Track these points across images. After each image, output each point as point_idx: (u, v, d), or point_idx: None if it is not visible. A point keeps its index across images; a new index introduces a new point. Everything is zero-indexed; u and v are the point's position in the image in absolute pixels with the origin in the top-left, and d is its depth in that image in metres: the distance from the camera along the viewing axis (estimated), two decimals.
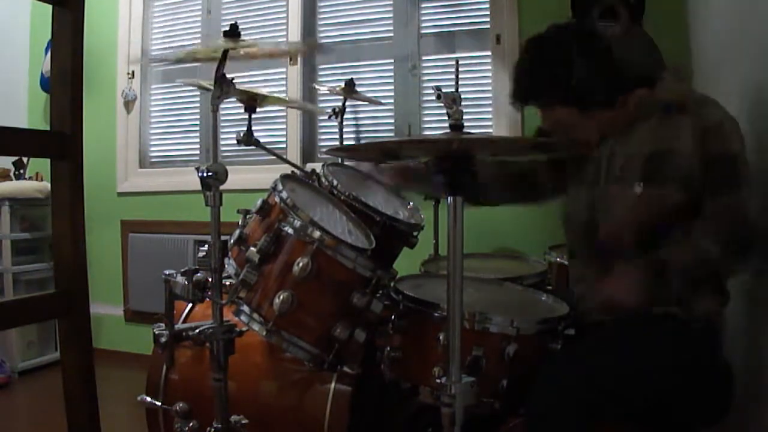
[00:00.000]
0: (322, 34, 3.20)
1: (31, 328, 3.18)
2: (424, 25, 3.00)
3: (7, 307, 1.25)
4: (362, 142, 2.39)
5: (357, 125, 2.26)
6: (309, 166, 2.08)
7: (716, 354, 1.33)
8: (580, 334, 1.41)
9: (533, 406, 1.24)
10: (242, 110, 1.77)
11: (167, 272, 1.39)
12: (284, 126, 3.19)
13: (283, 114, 3.20)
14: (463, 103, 1.07)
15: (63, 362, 1.26)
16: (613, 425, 1.28)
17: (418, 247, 1.67)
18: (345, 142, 2.27)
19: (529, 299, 1.60)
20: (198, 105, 3.42)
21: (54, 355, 3.24)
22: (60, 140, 1.21)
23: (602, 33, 1.39)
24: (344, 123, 2.24)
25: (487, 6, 2.85)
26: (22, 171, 3.34)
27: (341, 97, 2.19)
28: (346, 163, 1.82)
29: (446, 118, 1.07)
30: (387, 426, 1.78)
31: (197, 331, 1.34)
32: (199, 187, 1.31)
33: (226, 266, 1.39)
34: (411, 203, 1.77)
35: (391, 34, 3.06)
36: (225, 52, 1.30)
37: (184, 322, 1.67)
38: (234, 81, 1.35)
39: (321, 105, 3.09)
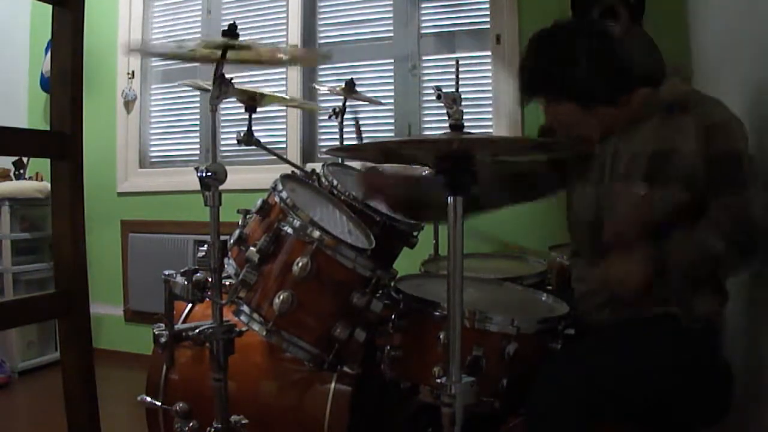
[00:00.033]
0: (322, 34, 3.20)
1: (31, 328, 3.18)
2: (424, 25, 3.00)
3: (7, 307, 1.25)
4: (363, 134, 2.38)
5: (356, 119, 2.25)
6: (309, 166, 2.08)
7: (716, 354, 1.33)
8: (580, 334, 1.41)
9: (533, 405, 1.24)
10: (242, 110, 1.77)
11: (167, 272, 1.39)
12: (284, 126, 3.19)
13: (283, 114, 3.20)
14: (463, 103, 1.07)
15: (63, 362, 1.26)
16: (613, 425, 1.28)
17: (418, 247, 1.67)
18: (345, 142, 2.26)
19: (529, 299, 1.60)
20: (198, 105, 3.42)
21: (54, 355, 3.24)
22: (60, 140, 1.21)
23: (607, 31, 1.38)
24: (344, 123, 2.24)
25: (487, 6, 2.85)
26: (22, 171, 3.34)
27: (341, 97, 2.19)
28: (346, 163, 1.82)
29: (446, 118, 1.07)
30: (387, 426, 1.78)
31: (197, 331, 1.34)
32: (198, 187, 1.31)
33: (225, 266, 1.39)
34: None
35: (391, 34, 3.06)
36: (224, 52, 1.30)
37: (184, 322, 1.67)
38: (234, 81, 1.35)
39: (321, 105, 3.09)
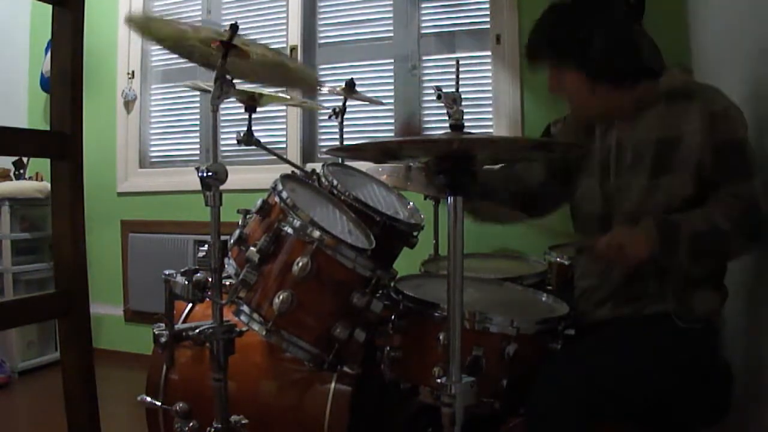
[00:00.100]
0: (322, 34, 3.21)
1: (31, 328, 3.18)
2: (424, 25, 3.00)
3: (7, 307, 1.25)
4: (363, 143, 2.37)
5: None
6: (309, 166, 2.08)
7: (716, 354, 1.33)
8: (580, 334, 1.41)
9: (533, 406, 1.24)
10: (242, 110, 1.77)
11: (167, 272, 1.39)
12: (284, 126, 3.19)
13: (283, 114, 3.20)
14: (463, 103, 1.07)
15: (63, 362, 1.26)
16: (613, 425, 1.28)
17: (418, 247, 1.67)
18: (345, 142, 2.26)
19: (529, 299, 1.60)
20: (198, 105, 3.42)
21: (54, 355, 3.24)
22: (60, 140, 1.21)
23: (628, 14, 1.37)
24: (344, 123, 2.24)
25: (487, 6, 2.85)
26: (22, 171, 3.34)
27: (341, 97, 2.19)
28: (346, 163, 1.82)
29: (446, 118, 1.07)
30: (387, 426, 1.78)
31: (197, 331, 1.34)
32: (199, 187, 1.30)
33: (226, 266, 1.39)
34: (411, 203, 1.77)
35: (391, 34, 3.06)
36: (225, 53, 1.30)
37: (184, 322, 1.67)
38: (234, 81, 1.35)
39: (321, 105, 3.09)
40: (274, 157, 1.96)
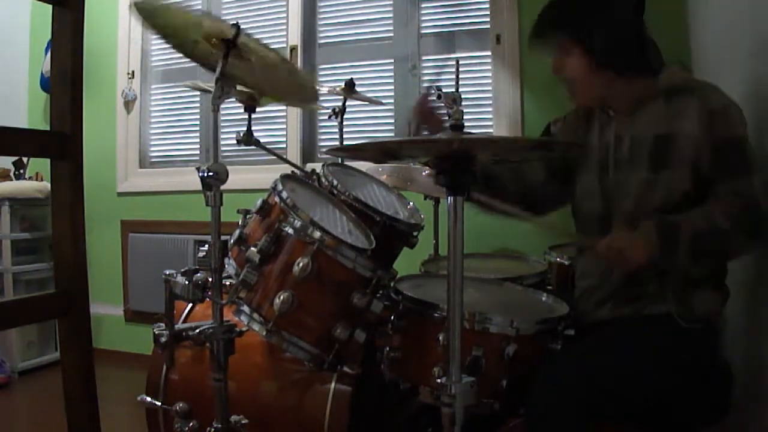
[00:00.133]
0: (322, 34, 3.21)
1: (31, 328, 3.18)
2: (424, 25, 3.00)
3: (7, 307, 1.25)
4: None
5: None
6: (309, 166, 2.08)
7: (716, 354, 1.33)
8: (580, 334, 1.41)
9: (533, 406, 1.24)
10: (242, 110, 1.77)
11: (167, 272, 1.39)
12: (284, 126, 3.19)
13: (283, 114, 3.20)
14: (463, 103, 1.07)
15: (63, 362, 1.26)
16: (613, 425, 1.28)
17: (418, 247, 1.67)
18: (345, 142, 2.26)
19: (529, 299, 1.60)
20: (198, 105, 3.42)
21: (54, 355, 3.24)
22: (60, 140, 1.21)
23: (642, 8, 1.38)
24: (344, 123, 2.24)
25: (487, 6, 2.85)
26: (22, 171, 3.34)
27: (341, 97, 2.19)
28: (346, 163, 1.82)
29: (446, 118, 1.07)
30: (387, 426, 1.78)
31: (197, 331, 1.33)
32: (199, 187, 1.30)
33: (226, 266, 1.39)
34: (411, 203, 1.77)
35: (391, 34, 3.06)
36: (227, 53, 1.30)
37: (184, 322, 1.67)
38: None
39: (321, 105, 3.09)
40: (274, 157, 1.96)
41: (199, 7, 3.41)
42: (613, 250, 1.28)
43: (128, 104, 3.48)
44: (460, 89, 1.09)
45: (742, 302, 1.49)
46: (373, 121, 3.08)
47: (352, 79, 2.17)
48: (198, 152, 3.45)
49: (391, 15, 3.06)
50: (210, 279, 1.34)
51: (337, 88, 2.17)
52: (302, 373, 1.56)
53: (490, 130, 2.82)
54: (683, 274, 1.31)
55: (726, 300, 1.37)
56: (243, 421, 1.40)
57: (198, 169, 1.31)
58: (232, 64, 1.32)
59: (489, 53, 2.83)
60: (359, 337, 1.35)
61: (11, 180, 3.32)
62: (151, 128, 3.55)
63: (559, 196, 1.60)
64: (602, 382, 1.23)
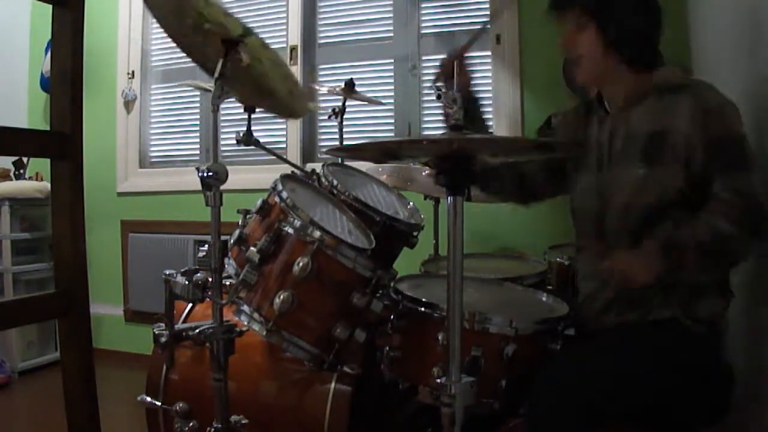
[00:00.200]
0: (322, 34, 3.21)
1: (31, 328, 3.18)
2: (424, 25, 3.00)
3: (7, 307, 1.25)
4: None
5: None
6: (309, 166, 2.08)
7: (718, 356, 1.32)
8: (581, 334, 1.41)
9: (533, 406, 1.24)
10: (242, 110, 1.77)
11: (167, 272, 1.39)
12: (284, 126, 3.19)
13: None
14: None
15: (63, 362, 1.26)
16: (614, 425, 1.28)
17: (418, 247, 1.67)
18: (345, 142, 2.27)
19: (529, 299, 1.60)
20: (198, 105, 3.42)
21: (54, 355, 3.24)
22: (60, 140, 1.21)
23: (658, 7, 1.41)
24: (344, 123, 2.24)
25: (487, 6, 2.85)
26: (22, 171, 3.34)
27: (341, 97, 2.19)
28: (346, 163, 1.82)
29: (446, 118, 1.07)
30: (387, 426, 1.78)
31: (197, 331, 1.34)
32: (199, 187, 1.30)
33: (226, 266, 1.39)
34: (411, 203, 1.77)
35: (391, 34, 3.06)
36: (226, 53, 1.30)
37: (184, 322, 1.67)
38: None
39: (321, 105, 3.09)
40: (274, 157, 1.96)
41: None
42: (617, 272, 1.28)
43: (128, 104, 3.48)
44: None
45: (741, 302, 1.48)
46: (373, 121, 3.08)
47: (352, 79, 2.17)
48: (198, 152, 3.45)
49: (391, 15, 3.06)
50: (210, 279, 1.34)
51: (337, 88, 2.17)
52: (302, 373, 1.56)
53: (491, 130, 2.81)
54: (689, 283, 1.30)
55: (729, 302, 1.36)
56: (243, 421, 1.40)
57: (197, 169, 1.31)
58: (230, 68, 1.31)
59: (489, 53, 2.83)
60: (359, 336, 1.35)
61: (11, 180, 3.32)
62: (151, 128, 3.55)
63: (555, 185, 1.60)
64: (603, 382, 1.22)
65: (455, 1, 2.94)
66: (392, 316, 1.39)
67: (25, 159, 3.29)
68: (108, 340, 3.39)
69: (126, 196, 3.49)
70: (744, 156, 1.26)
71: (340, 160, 1.84)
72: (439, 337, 1.28)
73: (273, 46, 1.37)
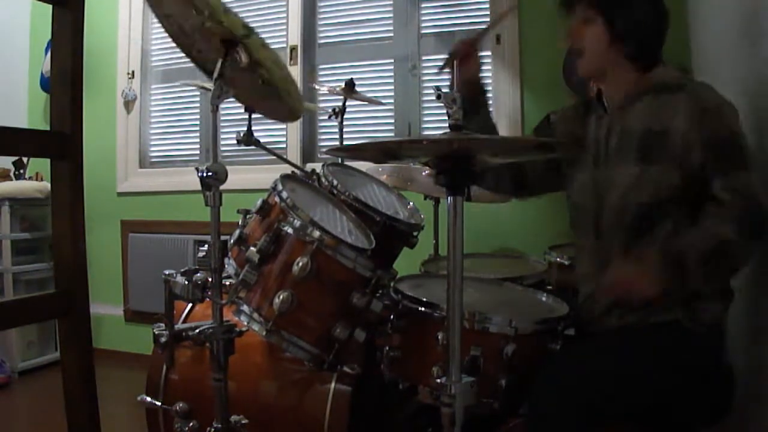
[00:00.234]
0: (322, 34, 3.20)
1: (31, 328, 3.18)
2: (424, 25, 3.00)
3: (7, 307, 1.25)
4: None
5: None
6: (309, 166, 2.08)
7: (719, 356, 1.32)
8: (581, 334, 1.40)
9: (533, 406, 1.24)
10: (242, 110, 1.77)
11: (167, 272, 1.39)
12: (284, 126, 3.19)
13: None
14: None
15: (63, 362, 1.26)
16: (614, 426, 1.28)
17: (418, 247, 1.67)
18: (345, 142, 2.27)
19: (529, 299, 1.60)
20: (198, 105, 3.42)
21: (54, 355, 3.24)
22: (60, 140, 1.21)
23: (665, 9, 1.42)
24: (344, 123, 2.24)
25: (487, 6, 2.85)
26: (22, 171, 3.34)
27: (341, 97, 2.19)
28: (346, 163, 1.82)
29: (446, 118, 1.07)
30: (387, 426, 1.78)
31: (197, 331, 1.33)
32: (199, 187, 1.30)
33: (226, 266, 1.39)
34: (411, 203, 1.77)
35: (391, 34, 3.06)
36: (226, 53, 1.30)
37: (184, 322, 1.67)
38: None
39: (321, 105, 3.09)
40: (274, 157, 1.96)
41: None
42: (619, 286, 1.28)
43: (128, 104, 3.48)
44: None
45: (742, 302, 1.48)
46: (373, 121, 3.08)
47: (352, 79, 2.17)
48: (198, 152, 3.45)
49: (391, 15, 3.05)
50: (210, 279, 1.34)
51: (337, 88, 2.17)
52: (302, 373, 1.56)
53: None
54: (692, 288, 1.29)
55: (732, 300, 1.36)
56: (243, 421, 1.40)
57: (197, 169, 1.30)
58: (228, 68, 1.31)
59: (489, 53, 2.83)
60: (359, 336, 1.35)
61: (11, 180, 3.32)
62: (151, 128, 3.55)
63: (550, 182, 1.60)
64: (603, 382, 1.23)
65: (455, 1, 2.94)
66: (392, 316, 1.39)
67: (25, 159, 3.29)
68: (108, 340, 3.39)
69: (126, 196, 3.49)
70: (742, 155, 1.26)
71: (340, 160, 1.84)
72: (439, 337, 1.28)
73: (273, 46, 1.37)
